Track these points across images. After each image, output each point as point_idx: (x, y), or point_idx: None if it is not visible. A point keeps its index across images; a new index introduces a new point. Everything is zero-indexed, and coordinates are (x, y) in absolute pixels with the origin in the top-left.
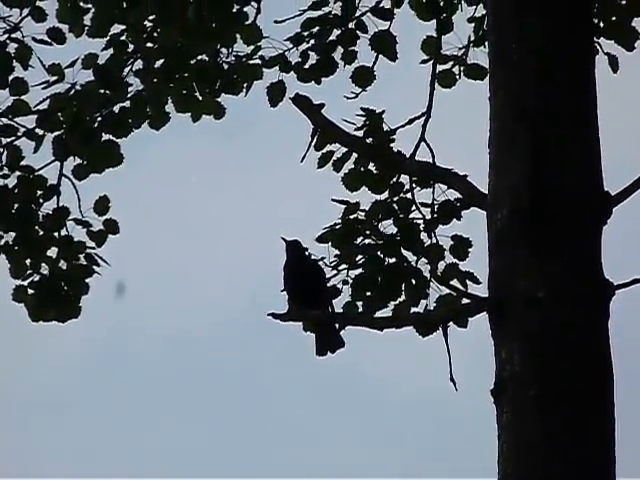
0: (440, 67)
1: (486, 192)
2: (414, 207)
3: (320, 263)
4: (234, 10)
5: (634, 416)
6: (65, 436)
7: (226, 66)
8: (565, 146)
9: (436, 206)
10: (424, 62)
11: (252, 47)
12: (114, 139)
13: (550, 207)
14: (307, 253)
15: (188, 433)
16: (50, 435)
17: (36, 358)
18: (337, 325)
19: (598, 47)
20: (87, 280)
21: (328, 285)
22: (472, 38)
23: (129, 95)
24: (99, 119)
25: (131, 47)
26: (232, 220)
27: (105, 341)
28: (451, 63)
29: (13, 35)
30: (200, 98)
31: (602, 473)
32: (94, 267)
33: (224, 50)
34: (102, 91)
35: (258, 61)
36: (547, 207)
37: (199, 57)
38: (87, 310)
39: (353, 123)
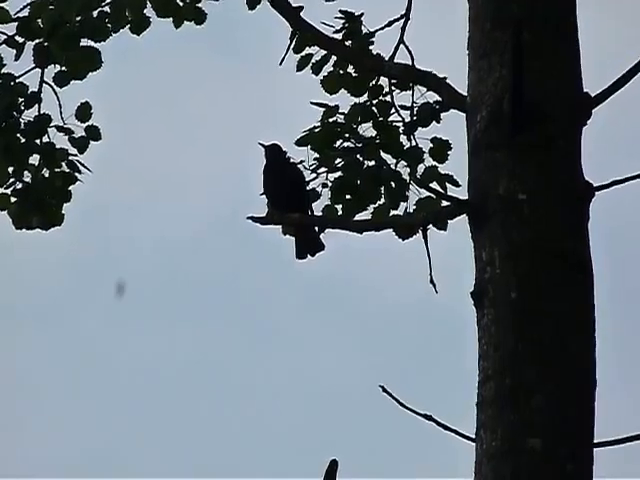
0: None
1: (466, 95)
2: (393, 110)
3: (299, 166)
4: None
5: (613, 317)
6: (46, 343)
7: None
8: (545, 50)
9: (415, 108)
10: None
11: None
12: (93, 44)
13: (530, 110)
14: (286, 156)
15: (168, 340)
16: (34, 343)
17: (17, 266)
18: (317, 228)
19: None
20: (69, 188)
21: (307, 188)
22: None
23: (108, 0)
24: (78, 24)
25: None
26: (211, 124)
27: (86, 246)
28: None
29: None
30: (180, 4)
31: (582, 376)
32: (76, 174)
33: None
34: None
35: None
36: (527, 109)
37: None
38: (67, 219)
39: (332, 26)
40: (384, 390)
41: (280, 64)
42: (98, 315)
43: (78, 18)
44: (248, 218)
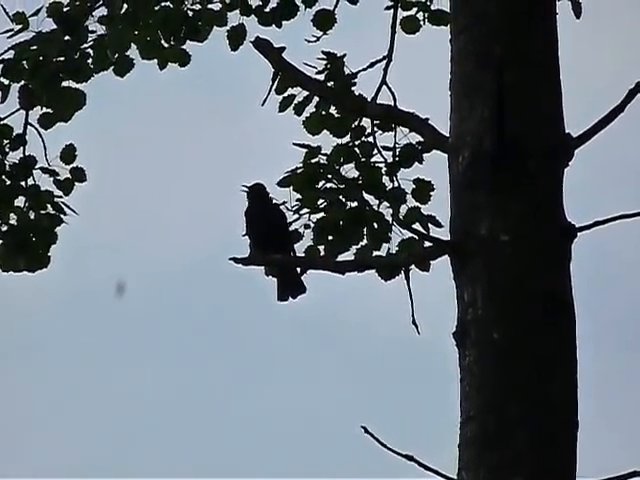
0: (404, 13)
1: (448, 135)
2: (376, 150)
3: (282, 207)
4: None
5: (596, 356)
6: (39, 375)
7: (191, 13)
8: (527, 90)
9: (398, 149)
10: (388, 8)
11: None
12: (75, 85)
13: (512, 149)
14: (269, 197)
15: (149, 377)
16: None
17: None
18: (299, 269)
19: None
20: (56, 230)
21: (290, 229)
22: None
23: (90, 40)
24: (59, 64)
25: None
26: (195, 164)
27: (71, 281)
28: (415, 9)
29: None
30: (165, 45)
31: (565, 416)
32: (62, 216)
33: None
34: (64, 37)
35: (219, 5)
36: (509, 149)
37: (163, 4)
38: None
39: (314, 67)
40: (366, 431)
41: (262, 105)
42: (85, 350)
43: (61, 58)
44: (231, 259)
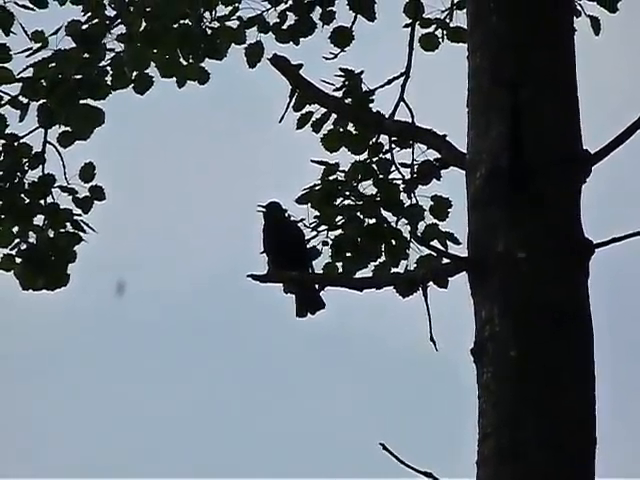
0: (423, 30)
1: (465, 152)
2: (394, 167)
3: (299, 224)
4: None
5: (615, 374)
6: (58, 392)
7: (209, 31)
8: (544, 107)
9: (416, 166)
10: (407, 26)
11: (230, 8)
12: (93, 102)
13: (529, 166)
14: (286, 214)
15: (166, 393)
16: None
17: (21, 324)
18: (317, 286)
19: (580, 9)
20: (74, 248)
21: (308, 246)
22: (455, 0)
23: (108, 58)
24: (77, 82)
25: (111, 12)
26: (213, 180)
27: (90, 301)
28: (434, 26)
29: None
30: (184, 63)
31: (582, 432)
32: (81, 234)
33: (207, 15)
34: (82, 55)
35: (236, 22)
36: (526, 166)
37: (181, 22)
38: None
39: (332, 84)
40: (384, 448)
41: (280, 122)
42: (102, 366)
43: (78, 76)
44: (248, 276)
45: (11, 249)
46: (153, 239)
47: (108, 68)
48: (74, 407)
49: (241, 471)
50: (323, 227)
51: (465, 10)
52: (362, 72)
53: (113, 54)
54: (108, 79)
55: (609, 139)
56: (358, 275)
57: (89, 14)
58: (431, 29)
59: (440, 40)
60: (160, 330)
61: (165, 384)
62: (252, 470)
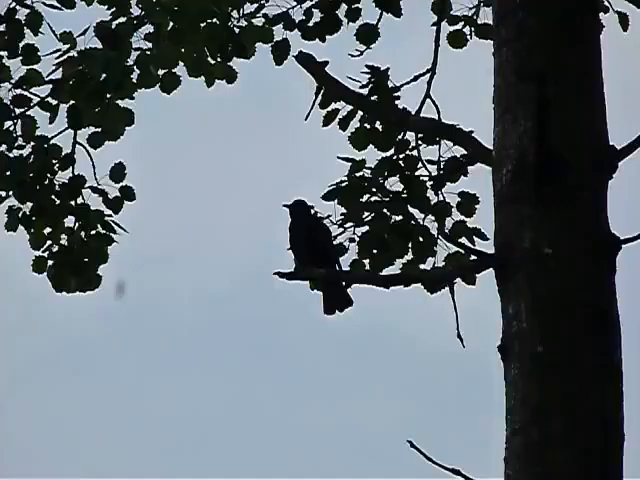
0: (450, 27)
1: (492, 148)
2: (420, 164)
3: (326, 221)
4: None
5: None
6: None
7: (237, 30)
8: (570, 102)
9: (442, 163)
10: (435, 24)
11: (256, 5)
12: (121, 102)
13: (555, 162)
14: (312, 211)
15: (202, 388)
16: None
17: (55, 318)
18: (344, 283)
19: (608, 5)
20: (106, 249)
21: (334, 243)
22: None
23: (134, 57)
24: (103, 80)
25: (138, 11)
26: (242, 178)
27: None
28: (462, 24)
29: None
30: (212, 62)
31: (610, 429)
32: (112, 235)
33: (235, 14)
34: (108, 54)
35: (262, 19)
36: (552, 162)
37: (209, 21)
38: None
39: (358, 81)
40: (412, 445)
41: (305, 119)
42: (137, 362)
43: (104, 75)
44: (275, 274)
45: (43, 251)
46: (182, 236)
47: (134, 67)
48: (86, 407)
49: (269, 470)
50: (350, 224)
51: (492, 7)
52: (388, 69)
53: (139, 52)
54: (134, 78)
55: (635, 135)
56: (385, 272)
57: (115, 11)
58: (459, 26)
59: (468, 37)
60: (190, 327)
61: (192, 379)
62: (281, 468)
